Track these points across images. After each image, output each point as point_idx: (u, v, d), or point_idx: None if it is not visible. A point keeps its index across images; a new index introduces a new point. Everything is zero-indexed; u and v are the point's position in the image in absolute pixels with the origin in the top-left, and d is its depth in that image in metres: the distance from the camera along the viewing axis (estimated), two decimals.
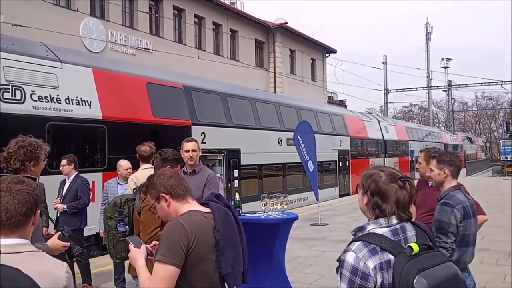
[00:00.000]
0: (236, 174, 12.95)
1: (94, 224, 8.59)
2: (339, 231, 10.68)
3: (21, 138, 3.15)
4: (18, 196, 1.65)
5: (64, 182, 6.39)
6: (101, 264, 7.58)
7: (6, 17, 12.29)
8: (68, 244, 2.64)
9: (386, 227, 1.88)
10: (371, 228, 1.91)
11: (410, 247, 1.77)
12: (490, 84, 44.33)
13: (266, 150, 14.53)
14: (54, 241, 2.64)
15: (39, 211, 1.72)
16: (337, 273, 2.08)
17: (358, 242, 1.83)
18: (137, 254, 2.30)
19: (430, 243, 1.87)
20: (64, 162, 6.31)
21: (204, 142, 11.10)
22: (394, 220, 1.90)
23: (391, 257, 1.77)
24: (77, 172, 6.38)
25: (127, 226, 4.14)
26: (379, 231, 1.87)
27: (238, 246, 2.40)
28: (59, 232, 2.70)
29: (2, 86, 7.38)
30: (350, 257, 1.80)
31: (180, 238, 2.16)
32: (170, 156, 4.27)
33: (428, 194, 3.77)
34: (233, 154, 12.84)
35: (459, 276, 1.82)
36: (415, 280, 1.68)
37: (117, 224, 4.23)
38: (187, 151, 4.68)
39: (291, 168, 15.71)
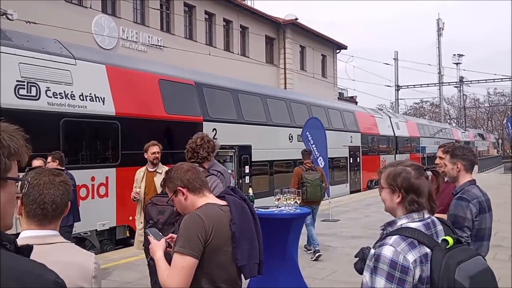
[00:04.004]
0: (247, 170, 12.99)
1: (107, 219, 8.72)
2: (350, 227, 10.69)
3: (205, 134, 3.90)
4: (61, 187, 1.71)
5: None
6: (115, 259, 7.67)
7: (20, 14, 12.42)
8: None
9: (419, 221, 1.89)
10: (403, 222, 1.91)
11: (445, 240, 1.80)
12: (503, 80, 43.78)
13: (277, 147, 14.55)
14: None
15: (70, 202, 1.79)
16: (356, 268, 2.10)
17: (395, 236, 1.83)
18: (156, 246, 2.35)
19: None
20: (48, 159, 6.12)
21: (216, 138, 11.13)
22: (426, 214, 1.93)
23: (428, 250, 1.79)
24: (62, 169, 5.94)
25: None
26: (413, 225, 1.87)
27: (254, 238, 2.44)
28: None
29: (18, 83, 7.48)
30: (387, 251, 1.79)
31: (198, 230, 2.20)
32: None
33: (442, 189, 3.77)
34: (244, 150, 12.88)
35: (490, 268, 1.85)
36: (456, 273, 1.71)
37: None
38: None
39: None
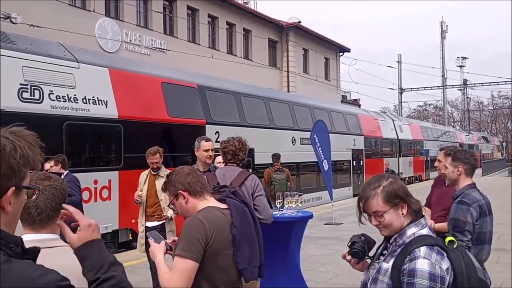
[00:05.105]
0: None
1: (110, 222, 8.73)
2: (352, 230, 10.58)
3: (240, 136, 4.05)
4: (47, 191, 1.70)
5: None
6: None
7: (24, 18, 12.49)
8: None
9: (426, 226, 1.90)
10: (414, 231, 1.88)
11: (452, 241, 1.82)
12: (507, 83, 43.66)
13: (280, 149, 14.48)
14: None
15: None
16: (356, 248, 2.09)
17: (423, 247, 1.78)
18: (157, 249, 2.35)
19: None
20: (52, 163, 6.12)
21: (218, 141, 11.14)
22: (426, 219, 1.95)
23: (445, 254, 1.80)
24: (66, 172, 6.15)
25: None
26: (424, 232, 1.86)
27: (254, 241, 2.46)
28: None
29: (21, 86, 7.51)
30: (423, 265, 1.73)
31: (199, 233, 2.21)
32: None
33: (444, 192, 3.77)
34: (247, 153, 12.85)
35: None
36: (477, 272, 1.76)
37: None
38: (207, 150, 4.79)
39: (305, 167, 15.68)
